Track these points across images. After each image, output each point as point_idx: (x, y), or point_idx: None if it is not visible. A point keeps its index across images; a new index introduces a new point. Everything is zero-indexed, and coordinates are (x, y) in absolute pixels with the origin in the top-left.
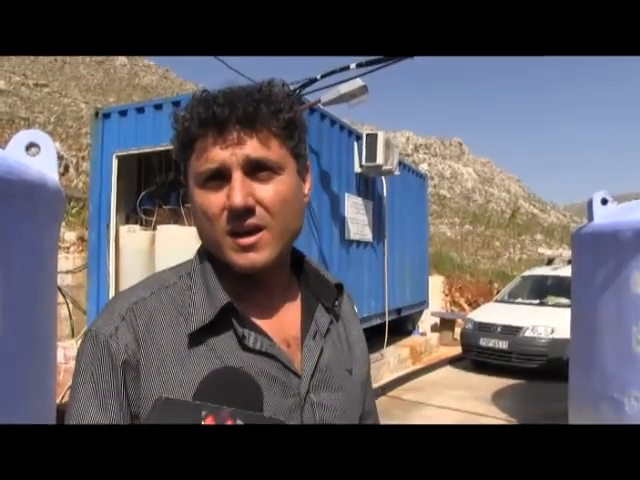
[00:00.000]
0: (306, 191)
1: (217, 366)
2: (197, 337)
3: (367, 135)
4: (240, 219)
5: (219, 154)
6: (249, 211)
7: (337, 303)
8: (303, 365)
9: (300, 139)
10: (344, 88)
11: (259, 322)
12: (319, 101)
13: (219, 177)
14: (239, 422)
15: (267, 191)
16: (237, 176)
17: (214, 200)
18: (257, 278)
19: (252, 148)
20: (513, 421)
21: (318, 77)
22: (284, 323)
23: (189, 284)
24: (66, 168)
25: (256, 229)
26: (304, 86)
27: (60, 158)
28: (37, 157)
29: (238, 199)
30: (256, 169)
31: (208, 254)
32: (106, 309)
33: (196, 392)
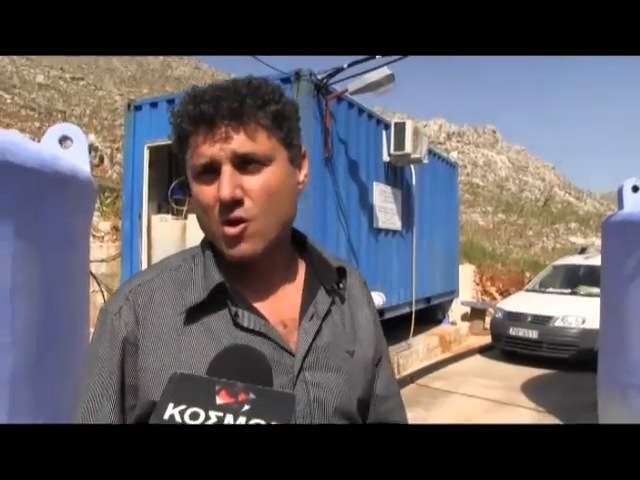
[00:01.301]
0: (301, 178)
1: (211, 344)
2: (193, 315)
3: (395, 124)
4: (229, 210)
5: (209, 149)
6: (237, 203)
7: (341, 285)
8: (298, 345)
9: (290, 129)
10: (371, 77)
11: (255, 304)
12: (346, 90)
13: (211, 171)
14: (252, 396)
15: (255, 182)
16: (225, 170)
17: (207, 192)
18: (253, 264)
19: (239, 143)
20: (541, 410)
21: (345, 66)
22: (283, 305)
23: (191, 266)
24: (101, 159)
25: (242, 220)
26: (331, 75)
27: (95, 149)
28: (70, 149)
29: (225, 192)
30: (245, 162)
31: (209, 240)
32: (117, 290)
33: (209, 368)
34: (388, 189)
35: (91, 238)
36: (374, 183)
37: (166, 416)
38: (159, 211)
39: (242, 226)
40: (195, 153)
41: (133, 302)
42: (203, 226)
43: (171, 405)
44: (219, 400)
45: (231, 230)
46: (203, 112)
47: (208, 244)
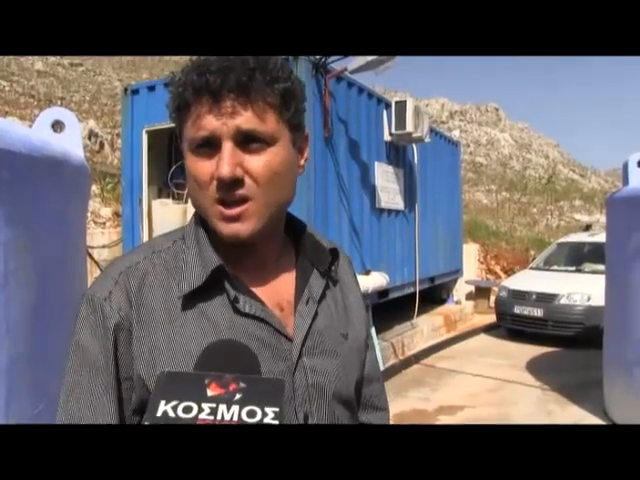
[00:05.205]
0: (302, 162)
1: (208, 328)
2: (189, 300)
3: (396, 103)
4: (227, 189)
5: (211, 123)
6: (236, 182)
7: (333, 268)
8: (295, 330)
9: (297, 110)
10: (370, 55)
11: (251, 287)
12: (345, 69)
13: (210, 145)
14: (242, 385)
15: (257, 162)
16: (227, 146)
17: (204, 167)
18: (248, 246)
19: (244, 119)
20: (546, 388)
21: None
22: (278, 288)
23: (182, 248)
24: (101, 145)
25: (242, 200)
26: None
27: (95, 135)
28: (62, 134)
29: (225, 170)
30: (248, 140)
31: (202, 220)
32: (102, 274)
33: (195, 365)
34: (390, 169)
35: (93, 224)
36: (376, 163)
37: (159, 413)
38: (159, 195)
39: (243, 207)
40: (196, 124)
41: (124, 285)
42: (196, 202)
43: (162, 402)
44: (210, 392)
45: (232, 211)
46: (209, 82)
47: (200, 222)
